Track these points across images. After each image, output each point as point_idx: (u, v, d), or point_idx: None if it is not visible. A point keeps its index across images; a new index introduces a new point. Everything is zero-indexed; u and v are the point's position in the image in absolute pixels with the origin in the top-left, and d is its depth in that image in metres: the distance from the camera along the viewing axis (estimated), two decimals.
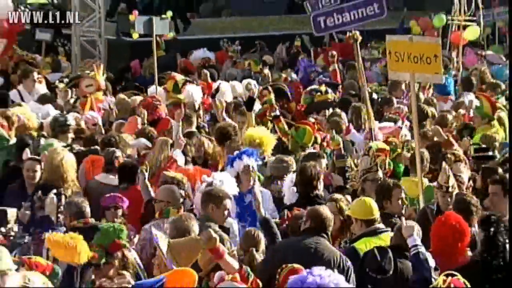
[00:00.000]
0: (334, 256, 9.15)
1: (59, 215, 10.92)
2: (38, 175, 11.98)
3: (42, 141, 13.06)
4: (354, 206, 10.13)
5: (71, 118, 14.12)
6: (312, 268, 6.97)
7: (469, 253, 9.29)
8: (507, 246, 8.74)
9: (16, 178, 12.52)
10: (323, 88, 16.94)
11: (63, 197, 11.11)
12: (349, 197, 11.31)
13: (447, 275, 7.13)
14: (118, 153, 12.55)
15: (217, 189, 10.66)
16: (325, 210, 9.65)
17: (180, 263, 8.15)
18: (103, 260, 8.74)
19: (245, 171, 11.64)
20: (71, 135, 13.74)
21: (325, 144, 14.26)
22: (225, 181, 10.98)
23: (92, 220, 10.36)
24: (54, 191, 11.17)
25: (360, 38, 15.14)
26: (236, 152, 12.23)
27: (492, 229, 8.86)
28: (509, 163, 12.29)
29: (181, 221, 9.46)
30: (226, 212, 10.37)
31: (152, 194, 11.31)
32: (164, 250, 8.42)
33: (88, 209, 10.43)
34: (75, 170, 11.96)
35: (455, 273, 7.47)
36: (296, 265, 8.05)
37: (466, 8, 16.26)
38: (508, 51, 17.18)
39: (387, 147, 12.92)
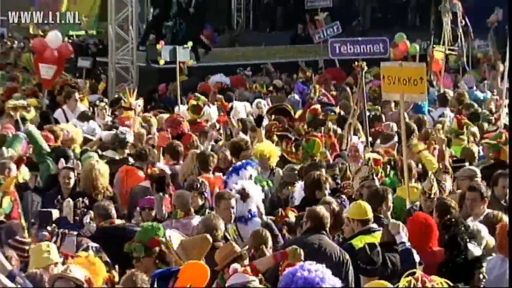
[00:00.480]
0: (334, 251, 9.16)
1: (76, 217, 11.00)
2: (72, 182, 11.85)
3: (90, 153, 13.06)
4: (351, 208, 10.09)
5: (130, 136, 14.10)
6: (303, 263, 6.97)
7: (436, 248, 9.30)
8: (469, 245, 8.74)
9: (56, 185, 12.36)
10: (337, 109, 17.10)
11: (79, 202, 11.15)
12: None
13: (407, 275, 7.08)
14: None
15: (227, 192, 10.66)
16: (322, 210, 9.64)
17: (192, 258, 8.15)
18: (143, 254, 8.77)
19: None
20: (127, 150, 13.74)
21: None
22: (252, 189, 10.96)
23: (117, 221, 10.32)
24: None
25: (365, 67, 15.16)
26: (238, 163, 12.18)
27: (452, 231, 8.89)
28: (509, 162, 12.30)
29: (209, 220, 9.43)
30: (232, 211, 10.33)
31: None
32: (175, 247, 8.53)
33: (113, 211, 10.34)
34: (107, 178, 11.75)
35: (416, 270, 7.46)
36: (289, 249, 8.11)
37: (451, 40, 16.18)
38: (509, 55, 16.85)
39: (381, 158, 12.87)
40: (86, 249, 9.03)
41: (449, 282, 7.26)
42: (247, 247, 9.03)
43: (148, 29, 27.26)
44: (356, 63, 16.29)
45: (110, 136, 14.47)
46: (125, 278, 7.82)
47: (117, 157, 13.04)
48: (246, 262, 8.46)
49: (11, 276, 7.88)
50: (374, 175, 11.75)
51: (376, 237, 9.41)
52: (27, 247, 8.74)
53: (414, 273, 7.18)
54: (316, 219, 9.44)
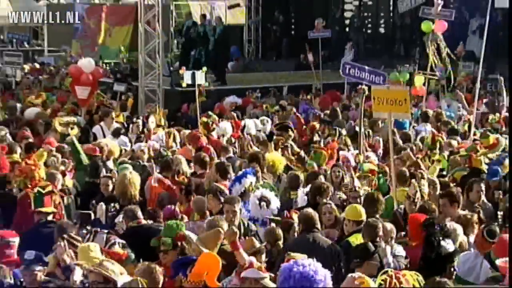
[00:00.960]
0: (327, 244, 9.28)
1: (107, 218, 11.14)
2: (110, 188, 11.95)
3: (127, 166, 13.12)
4: (348, 211, 10.17)
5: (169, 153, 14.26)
6: (299, 259, 6.94)
7: None
8: (442, 243, 8.78)
9: (92, 190, 12.57)
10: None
11: (111, 206, 11.27)
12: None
13: (382, 273, 7.11)
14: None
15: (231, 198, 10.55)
16: (309, 212, 9.76)
17: (209, 249, 8.16)
18: (170, 247, 8.79)
19: (250, 187, 11.47)
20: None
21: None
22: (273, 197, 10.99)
23: (143, 221, 10.26)
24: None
25: (367, 91, 15.21)
26: (239, 173, 12.11)
27: (428, 230, 8.97)
28: (509, 166, 12.30)
29: (214, 221, 9.41)
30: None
31: None
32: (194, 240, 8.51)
33: (140, 213, 10.30)
34: (138, 187, 11.70)
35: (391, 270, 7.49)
36: (293, 254, 7.95)
37: (435, 66, 16.19)
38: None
39: (376, 168, 13.02)
40: (113, 244, 9.10)
41: (419, 276, 7.30)
42: (265, 243, 9.07)
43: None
44: (360, 86, 16.40)
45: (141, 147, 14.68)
46: (142, 269, 7.84)
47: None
48: (264, 257, 8.51)
49: (68, 268, 8.01)
50: (358, 187, 11.75)
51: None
52: (79, 244, 8.82)
53: (387, 271, 7.22)
54: (306, 221, 9.58)
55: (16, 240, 8.67)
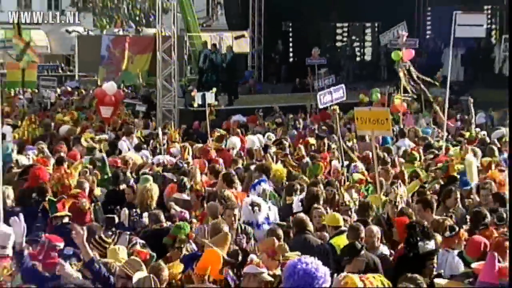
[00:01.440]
0: (318, 243, 9.29)
1: (130, 222, 11.07)
2: (131, 196, 11.98)
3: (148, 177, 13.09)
4: (327, 218, 10.17)
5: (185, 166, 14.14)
6: (301, 258, 6.91)
7: None
8: (419, 243, 8.77)
9: (114, 197, 12.54)
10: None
11: (133, 211, 11.18)
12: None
13: (344, 278, 7.15)
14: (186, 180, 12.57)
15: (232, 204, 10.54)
16: (301, 216, 9.87)
17: (220, 249, 8.23)
18: (182, 245, 8.91)
19: (264, 193, 11.68)
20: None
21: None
22: (262, 203, 10.89)
23: (165, 224, 10.28)
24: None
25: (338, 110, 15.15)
26: (256, 181, 12.33)
27: (410, 231, 8.96)
28: (508, 169, 12.22)
29: (217, 224, 9.38)
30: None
31: None
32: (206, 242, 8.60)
33: (162, 217, 10.36)
34: (156, 197, 11.60)
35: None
36: (288, 254, 8.15)
37: (408, 89, 16.24)
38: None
39: (363, 177, 13.06)
40: (135, 244, 9.11)
41: (383, 278, 7.30)
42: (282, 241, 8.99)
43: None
44: (332, 107, 16.46)
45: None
46: (150, 266, 7.98)
47: (174, 179, 12.93)
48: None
49: (92, 261, 7.95)
50: (348, 201, 11.64)
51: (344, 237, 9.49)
52: (106, 245, 8.91)
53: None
54: (297, 224, 9.64)
55: (61, 245, 8.65)
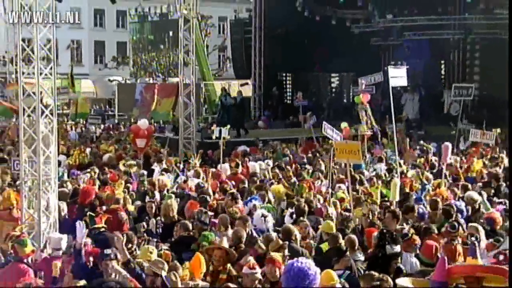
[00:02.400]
0: (297, 249, 9.19)
1: (158, 230, 11.10)
2: (153, 210, 11.88)
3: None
4: (323, 225, 10.21)
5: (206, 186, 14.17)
6: (298, 258, 6.82)
7: None
8: (386, 246, 8.72)
9: (142, 210, 12.40)
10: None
11: (159, 221, 11.24)
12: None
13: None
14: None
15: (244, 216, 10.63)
16: (288, 227, 9.85)
17: None
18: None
19: (254, 207, 11.63)
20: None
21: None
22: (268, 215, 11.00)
23: (191, 233, 10.21)
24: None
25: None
26: (248, 198, 12.44)
27: (380, 237, 8.95)
28: (509, 170, 12.19)
29: (238, 231, 9.46)
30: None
31: None
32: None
33: (190, 226, 10.29)
34: (176, 210, 11.58)
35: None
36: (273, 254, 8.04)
37: (369, 125, 16.31)
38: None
39: (344, 196, 12.98)
40: (158, 248, 9.14)
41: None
42: (286, 242, 9.00)
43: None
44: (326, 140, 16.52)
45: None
46: (170, 265, 7.94)
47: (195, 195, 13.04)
48: (286, 251, 8.50)
49: (128, 261, 7.95)
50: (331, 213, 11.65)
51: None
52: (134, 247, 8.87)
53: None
54: (286, 233, 9.56)
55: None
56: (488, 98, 31.00)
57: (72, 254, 8.50)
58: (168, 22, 34.88)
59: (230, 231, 9.96)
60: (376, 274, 7.35)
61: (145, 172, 15.64)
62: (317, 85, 36.49)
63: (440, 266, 6.44)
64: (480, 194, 12.22)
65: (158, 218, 11.41)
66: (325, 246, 9.53)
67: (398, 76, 16.05)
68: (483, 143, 19.29)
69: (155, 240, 10.04)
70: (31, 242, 9.05)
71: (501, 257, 7.80)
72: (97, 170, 16.06)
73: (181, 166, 17.86)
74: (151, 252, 8.47)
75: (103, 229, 10.63)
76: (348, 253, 8.84)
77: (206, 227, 10.59)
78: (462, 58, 32.95)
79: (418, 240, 9.11)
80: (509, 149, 12.81)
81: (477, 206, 11.66)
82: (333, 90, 37.18)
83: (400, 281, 6.79)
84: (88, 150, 20.79)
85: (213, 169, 16.64)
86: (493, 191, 13.55)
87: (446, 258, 6.67)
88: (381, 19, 32.94)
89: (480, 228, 9.65)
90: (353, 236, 9.48)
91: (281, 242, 8.75)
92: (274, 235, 9.57)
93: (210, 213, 11.23)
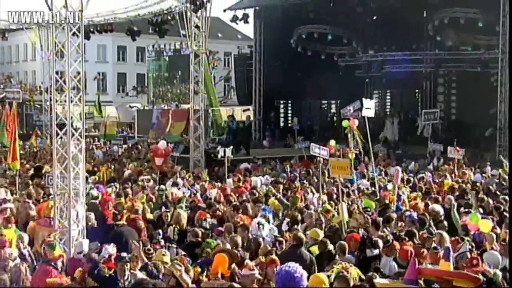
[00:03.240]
0: (307, 255, 9.01)
1: (175, 236, 11.05)
2: (168, 219, 11.80)
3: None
4: (311, 232, 10.12)
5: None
6: (288, 263, 6.85)
7: None
8: (366, 250, 8.82)
9: (158, 219, 12.35)
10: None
11: (175, 229, 11.20)
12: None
13: (338, 264, 7.20)
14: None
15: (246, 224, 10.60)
16: (299, 234, 9.61)
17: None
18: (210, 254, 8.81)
19: (265, 217, 11.48)
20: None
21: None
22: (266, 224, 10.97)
23: (200, 239, 10.18)
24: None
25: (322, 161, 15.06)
26: (262, 207, 12.29)
27: (362, 242, 8.97)
28: (509, 171, 12.02)
29: (234, 237, 9.46)
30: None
31: None
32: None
33: (200, 233, 10.27)
34: (186, 219, 11.60)
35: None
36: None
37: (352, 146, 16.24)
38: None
39: (329, 208, 12.83)
40: (178, 253, 9.10)
41: (359, 271, 7.24)
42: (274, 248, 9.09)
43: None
44: (318, 158, 16.45)
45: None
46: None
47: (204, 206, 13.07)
48: (273, 255, 8.47)
49: (146, 264, 7.99)
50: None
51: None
52: (151, 254, 8.83)
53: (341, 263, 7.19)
54: (298, 239, 9.40)
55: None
56: (455, 122, 31.21)
57: (91, 259, 8.48)
58: (180, 57, 34.94)
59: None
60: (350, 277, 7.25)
61: (163, 187, 15.57)
62: (309, 111, 36.58)
63: (412, 267, 6.50)
64: (452, 205, 12.13)
65: (175, 226, 11.34)
66: (314, 249, 9.46)
67: (368, 108, 16.36)
68: (455, 159, 19.28)
69: (174, 246, 9.99)
70: (60, 246, 9.06)
71: (475, 262, 7.78)
72: (118, 185, 16.09)
73: (192, 181, 17.83)
74: (164, 255, 8.47)
75: (123, 224, 10.76)
76: (337, 257, 8.81)
77: (207, 232, 10.62)
78: (433, 87, 33.12)
79: (397, 246, 9.11)
80: (509, 150, 12.62)
81: (440, 218, 11.49)
82: (323, 115, 37.23)
83: (378, 281, 6.80)
84: (112, 167, 20.84)
85: (219, 183, 16.66)
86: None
87: (416, 260, 6.72)
88: (363, 54, 33.11)
89: (444, 234, 9.62)
90: (344, 242, 9.43)
91: (268, 247, 8.70)
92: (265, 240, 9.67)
93: (210, 220, 11.26)
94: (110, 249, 8.39)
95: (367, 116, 16.32)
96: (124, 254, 8.15)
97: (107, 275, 7.92)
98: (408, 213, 11.63)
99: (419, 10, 29.99)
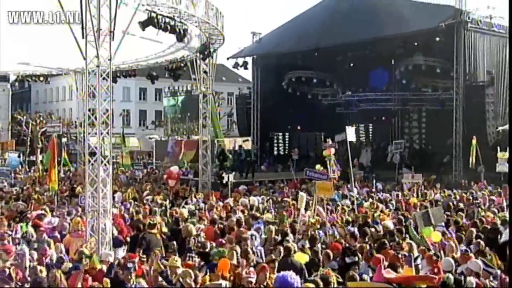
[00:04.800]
0: (297, 263, 8.76)
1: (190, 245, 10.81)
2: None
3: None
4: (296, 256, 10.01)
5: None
6: (285, 271, 6.81)
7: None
8: (346, 258, 8.68)
9: (172, 233, 12.02)
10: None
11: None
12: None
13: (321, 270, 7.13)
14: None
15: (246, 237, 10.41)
16: (289, 245, 9.39)
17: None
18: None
19: (259, 229, 11.55)
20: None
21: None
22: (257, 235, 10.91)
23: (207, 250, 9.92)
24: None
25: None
26: (255, 222, 12.24)
27: (343, 251, 8.91)
28: (509, 172, 11.76)
29: (233, 247, 9.35)
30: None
31: None
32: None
33: (208, 245, 9.83)
34: (194, 232, 11.04)
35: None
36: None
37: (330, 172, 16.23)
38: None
39: (318, 219, 12.66)
40: (190, 258, 8.99)
41: (339, 277, 7.18)
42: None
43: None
44: (313, 181, 16.39)
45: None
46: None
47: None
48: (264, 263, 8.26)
49: (162, 271, 7.78)
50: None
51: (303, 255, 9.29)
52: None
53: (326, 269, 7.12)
54: (288, 250, 9.19)
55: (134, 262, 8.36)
56: (419, 150, 31.27)
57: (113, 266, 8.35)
58: (191, 97, 35.19)
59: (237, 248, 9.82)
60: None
61: (177, 209, 15.44)
62: (298, 141, 36.56)
63: (378, 271, 6.51)
64: (409, 222, 11.90)
65: (197, 238, 10.91)
66: (300, 256, 9.21)
67: (350, 133, 16.45)
68: (414, 182, 19.18)
69: (192, 255, 9.68)
70: (97, 258, 8.93)
71: (436, 270, 7.67)
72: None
73: (200, 200, 17.72)
74: (176, 261, 8.34)
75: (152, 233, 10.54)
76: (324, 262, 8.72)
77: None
78: (400, 122, 33.27)
79: (374, 253, 9.05)
80: (510, 153, 12.36)
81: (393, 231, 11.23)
82: (310, 144, 37.13)
83: (352, 284, 6.77)
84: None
85: (221, 203, 16.58)
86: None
87: (382, 267, 6.71)
88: (343, 95, 33.39)
89: (413, 244, 9.56)
90: (329, 251, 9.30)
91: (273, 257, 8.54)
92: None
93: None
94: (121, 253, 8.29)
95: (349, 144, 16.37)
96: (129, 264, 7.90)
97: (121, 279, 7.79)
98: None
99: (388, 59, 30.29)
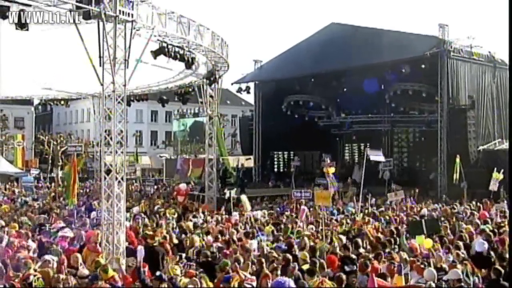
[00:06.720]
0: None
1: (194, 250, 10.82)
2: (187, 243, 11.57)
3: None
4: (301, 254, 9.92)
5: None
6: (283, 277, 6.76)
7: None
8: (345, 266, 8.60)
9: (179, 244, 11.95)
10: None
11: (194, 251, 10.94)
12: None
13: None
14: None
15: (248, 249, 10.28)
16: (288, 256, 9.29)
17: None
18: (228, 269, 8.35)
19: (260, 240, 11.45)
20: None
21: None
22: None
23: (210, 259, 9.81)
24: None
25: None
26: (257, 234, 12.05)
27: (342, 260, 8.82)
28: (509, 172, 11.59)
29: (237, 256, 9.17)
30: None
31: None
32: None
33: (209, 253, 9.78)
34: (198, 243, 11.27)
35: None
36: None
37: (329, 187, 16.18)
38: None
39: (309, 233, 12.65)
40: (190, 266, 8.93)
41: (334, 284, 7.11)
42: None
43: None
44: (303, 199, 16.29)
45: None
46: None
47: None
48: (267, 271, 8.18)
49: (171, 278, 7.68)
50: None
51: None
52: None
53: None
54: (287, 260, 9.10)
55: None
56: (406, 168, 31.23)
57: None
58: (198, 123, 35.39)
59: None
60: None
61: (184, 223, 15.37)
62: (297, 160, 36.44)
63: (371, 279, 6.48)
64: (402, 233, 11.92)
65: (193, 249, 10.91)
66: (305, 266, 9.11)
67: (377, 155, 16.52)
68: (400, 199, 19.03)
69: (192, 264, 9.62)
70: (111, 268, 8.87)
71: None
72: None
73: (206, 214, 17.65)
74: (175, 269, 8.25)
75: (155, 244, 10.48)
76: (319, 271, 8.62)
77: (215, 254, 10.13)
78: (390, 141, 33.25)
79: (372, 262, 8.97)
80: (510, 154, 12.36)
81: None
82: (307, 162, 36.94)
83: None
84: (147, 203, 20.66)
85: (226, 216, 16.52)
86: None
87: (374, 275, 6.68)
88: (337, 117, 33.44)
89: (405, 255, 9.46)
90: (323, 261, 9.16)
91: (275, 265, 8.47)
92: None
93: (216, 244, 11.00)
94: (131, 261, 8.25)
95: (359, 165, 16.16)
96: (159, 273, 7.78)
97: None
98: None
99: (378, 84, 30.41)
